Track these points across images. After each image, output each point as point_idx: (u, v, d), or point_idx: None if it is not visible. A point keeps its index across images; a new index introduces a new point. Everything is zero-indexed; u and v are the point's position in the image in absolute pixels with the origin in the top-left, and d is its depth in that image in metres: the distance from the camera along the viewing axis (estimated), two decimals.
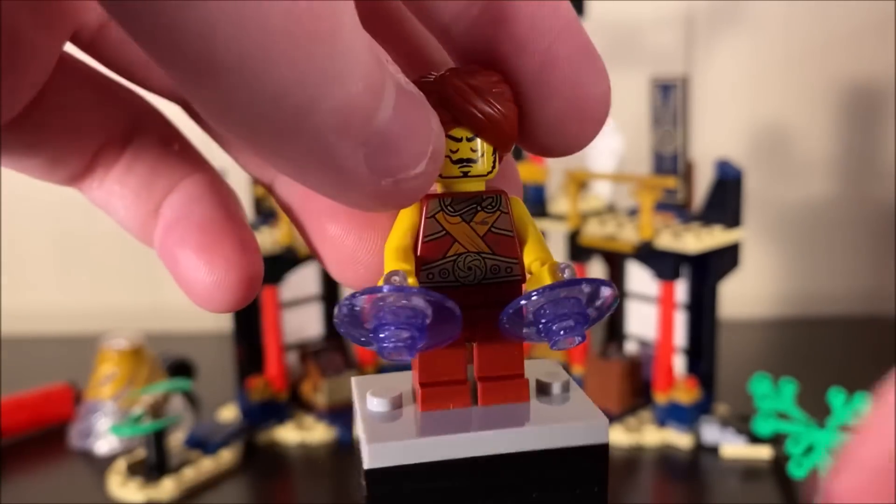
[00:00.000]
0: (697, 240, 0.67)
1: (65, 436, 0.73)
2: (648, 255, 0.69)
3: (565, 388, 0.18)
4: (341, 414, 0.74)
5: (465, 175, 0.16)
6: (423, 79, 0.16)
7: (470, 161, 0.16)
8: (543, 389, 0.18)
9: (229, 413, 0.75)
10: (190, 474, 0.65)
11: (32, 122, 0.17)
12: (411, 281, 0.15)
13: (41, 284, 1.06)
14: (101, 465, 0.68)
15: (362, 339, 0.15)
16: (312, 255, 0.19)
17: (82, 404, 0.74)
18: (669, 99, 0.72)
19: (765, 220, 1.01)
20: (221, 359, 0.84)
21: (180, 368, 0.82)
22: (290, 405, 0.75)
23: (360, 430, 0.17)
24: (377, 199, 0.14)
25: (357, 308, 0.15)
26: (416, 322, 0.15)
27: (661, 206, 0.73)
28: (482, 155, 0.16)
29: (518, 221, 0.17)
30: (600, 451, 0.16)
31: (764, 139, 1.02)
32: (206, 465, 0.66)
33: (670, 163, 0.73)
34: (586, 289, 0.16)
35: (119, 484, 0.64)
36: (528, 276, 0.17)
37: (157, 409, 0.66)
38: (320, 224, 0.18)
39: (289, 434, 0.73)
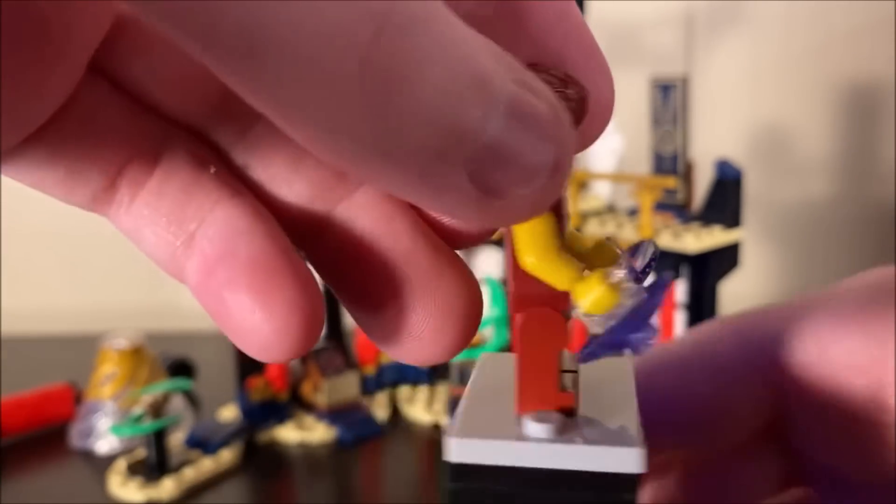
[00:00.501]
0: (697, 240, 0.67)
1: (65, 435, 0.73)
2: None
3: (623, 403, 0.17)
4: (342, 414, 0.74)
5: None
6: None
7: None
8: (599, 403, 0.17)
9: (229, 413, 0.75)
10: (190, 474, 0.65)
11: (52, 131, 0.15)
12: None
13: (42, 284, 1.06)
14: (102, 465, 0.68)
15: (612, 350, 0.15)
16: (358, 325, 0.17)
17: (83, 404, 0.74)
18: (669, 99, 0.72)
19: (765, 220, 1.01)
20: (222, 359, 0.84)
21: (181, 368, 0.82)
22: (291, 405, 0.75)
23: (573, 455, 0.15)
24: (490, 218, 0.13)
25: (620, 324, 0.15)
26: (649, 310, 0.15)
27: (661, 206, 0.73)
28: None
29: None
30: (632, 480, 0.15)
31: (764, 139, 1.02)
32: (207, 465, 0.66)
33: (670, 163, 0.73)
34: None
35: (119, 483, 0.64)
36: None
37: (157, 409, 0.66)
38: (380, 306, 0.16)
39: (289, 434, 0.73)
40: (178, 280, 0.16)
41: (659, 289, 0.15)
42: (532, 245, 0.15)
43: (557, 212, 0.15)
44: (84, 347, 0.84)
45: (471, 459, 0.15)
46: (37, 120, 0.14)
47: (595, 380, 0.17)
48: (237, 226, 0.16)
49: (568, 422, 0.16)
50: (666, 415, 0.20)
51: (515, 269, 0.15)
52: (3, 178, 0.16)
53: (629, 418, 0.16)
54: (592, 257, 0.16)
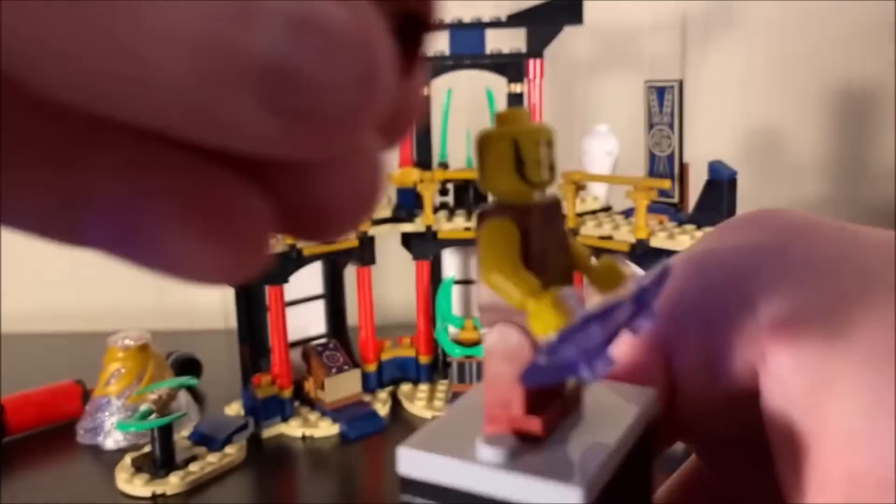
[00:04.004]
0: (692, 240, 0.68)
1: (73, 432, 0.74)
2: (643, 255, 0.71)
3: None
4: (345, 410, 0.75)
5: (551, 180, 0.16)
6: None
7: (552, 167, 0.16)
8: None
9: (234, 409, 0.76)
10: (195, 469, 0.66)
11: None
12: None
13: (50, 284, 1.07)
14: (109, 461, 0.69)
15: (560, 375, 0.14)
16: None
17: (90, 401, 0.75)
18: (664, 101, 0.74)
19: None
20: (227, 356, 0.85)
21: (186, 365, 0.83)
22: (294, 401, 0.77)
23: (511, 483, 0.14)
24: (300, 149, 0.11)
25: (562, 347, 0.13)
26: (601, 333, 0.14)
27: (656, 208, 0.74)
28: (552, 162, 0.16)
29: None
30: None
31: (758, 141, 1.03)
32: (212, 461, 0.68)
33: (665, 164, 0.75)
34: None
35: (126, 479, 0.65)
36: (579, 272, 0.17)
37: (163, 406, 0.67)
38: None
39: (293, 430, 0.74)
40: (70, 243, 0.14)
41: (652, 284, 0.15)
42: (488, 258, 0.15)
43: (523, 224, 0.15)
44: (91, 346, 0.85)
45: (417, 474, 0.15)
46: None
47: (603, 402, 0.16)
48: (135, 164, 0.13)
49: (525, 447, 0.15)
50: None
51: (480, 282, 0.15)
52: None
53: (597, 452, 0.15)
54: (598, 276, 0.16)
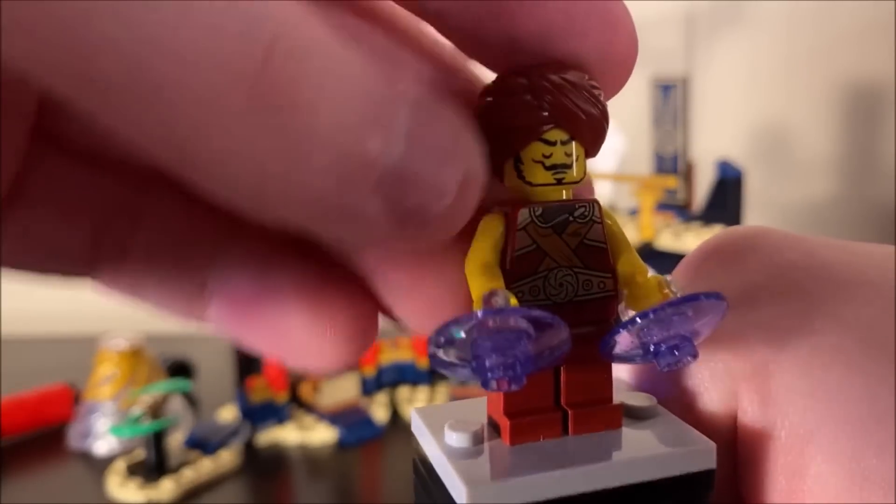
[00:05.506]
0: (698, 239, 0.67)
1: (64, 436, 0.73)
2: (649, 255, 0.69)
3: (654, 411, 0.16)
4: (341, 415, 0.73)
5: (559, 182, 0.15)
6: (510, 76, 0.14)
7: (564, 167, 0.15)
8: (633, 414, 0.16)
9: (229, 414, 0.75)
10: (189, 475, 0.65)
11: (19, 209, 0.15)
12: (513, 301, 0.14)
13: (41, 285, 1.06)
14: (101, 466, 0.68)
15: (462, 371, 0.14)
16: None
17: (81, 405, 0.74)
18: (670, 99, 0.72)
19: (765, 220, 1.01)
20: (221, 359, 0.84)
21: (180, 369, 0.82)
22: (290, 406, 0.75)
23: (443, 468, 0.15)
24: (409, 241, 0.13)
25: (457, 338, 0.13)
26: (522, 347, 0.13)
27: (662, 206, 0.73)
28: (576, 160, 0.15)
29: (609, 231, 0.16)
30: (707, 477, 0.15)
31: (764, 139, 1.02)
32: (206, 466, 0.66)
33: (671, 163, 0.73)
34: (693, 309, 0.15)
35: (118, 484, 0.64)
36: (622, 291, 0.16)
37: (156, 410, 0.66)
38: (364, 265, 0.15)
39: (289, 435, 0.73)
40: (192, 320, 0.16)
41: (705, 301, 0.14)
42: (470, 250, 0.15)
43: (508, 222, 0.15)
44: (83, 348, 0.83)
45: (416, 434, 0.16)
46: None
47: (643, 435, 0.16)
48: (258, 260, 0.16)
49: (490, 441, 0.15)
50: None
51: None
52: None
53: (537, 468, 0.15)
54: (633, 295, 0.16)
